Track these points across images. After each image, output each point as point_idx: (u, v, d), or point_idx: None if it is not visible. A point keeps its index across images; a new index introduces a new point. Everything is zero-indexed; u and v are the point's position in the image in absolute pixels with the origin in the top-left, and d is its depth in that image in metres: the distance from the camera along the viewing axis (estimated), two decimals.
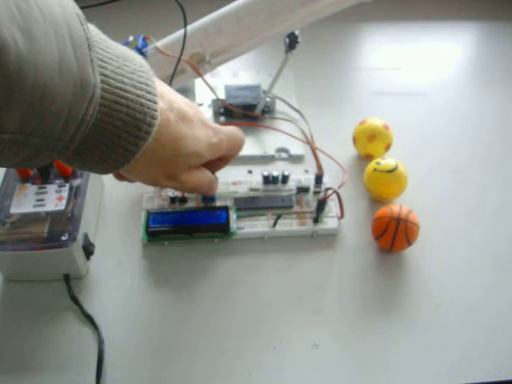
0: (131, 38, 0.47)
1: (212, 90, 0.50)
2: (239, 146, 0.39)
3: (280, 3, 0.44)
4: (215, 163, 0.39)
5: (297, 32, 0.47)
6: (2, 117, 0.19)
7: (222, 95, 0.53)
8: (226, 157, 0.39)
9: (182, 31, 0.45)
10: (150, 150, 0.29)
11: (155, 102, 0.27)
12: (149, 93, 0.27)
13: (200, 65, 0.47)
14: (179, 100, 0.32)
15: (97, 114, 0.24)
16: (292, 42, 0.47)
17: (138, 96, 0.26)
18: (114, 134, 0.26)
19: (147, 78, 0.27)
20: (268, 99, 0.53)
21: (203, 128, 0.34)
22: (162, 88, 0.30)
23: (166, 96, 0.30)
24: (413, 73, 0.62)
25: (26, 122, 0.20)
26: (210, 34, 0.46)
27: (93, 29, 0.25)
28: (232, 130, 0.38)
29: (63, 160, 0.27)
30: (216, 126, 0.36)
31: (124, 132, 0.26)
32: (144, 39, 0.47)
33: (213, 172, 0.39)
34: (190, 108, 0.33)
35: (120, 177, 0.36)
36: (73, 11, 0.22)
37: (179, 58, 0.45)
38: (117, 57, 0.26)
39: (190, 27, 0.46)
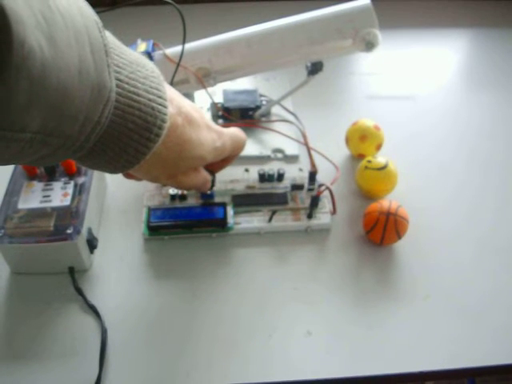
0: (139, 42, 0.49)
1: (211, 97, 0.52)
2: (241, 147, 0.40)
3: (290, 39, 0.47)
4: (218, 164, 0.40)
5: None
6: (24, 117, 0.20)
7: (220, 99, 0.55)
8: (228, 157, 0.40)
9: (192, 44, 0.48)
10: (157, 152, 0.30)
11: (165, 106, 0.29)
12: (160, 97, 0.28)
13: (205, 79, 0.49)
14: (187, 105, 0.33)
15: (111, 117, 0.26)
16: (316, 69, 0.49)
17: (149, 100, 0.27)
18: (126, 136, 0.27)
19: (158, 83, 0.29)
20: (264, 102, 0.55)
21: (208, 132, 0.35)
22: (171, 93, 0.32)
23: (174, 101, 0.32)
24: (405, 78, 0.64)
25: (46, 123, 0.21)
26: (220, 53, 0.48)
27: (109, 35, 0.26)
28: (234, 131, 0.39)
29: (76, 159, 0.28)
30: (220, 129, 0.37)
31: (136, 134, 0.27)
32: (153, 45, 0.50)
33: (215, 172, 0.41)
34: (196, 112, 0.34)
35: (128, 175, 0.38)
36: (92, 18, 0.23)
37: (177, 65, 0.47)
38: (130, 62, 0.27)
39: (201, 42, 0.48)
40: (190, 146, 0.33)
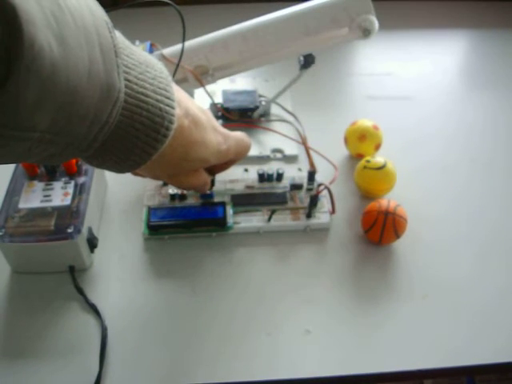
0: (137, 43, 0.50)
1: (211, 96, 0.52)
2: (245, 151, 0.41)
3: (286, 31, 0.47)
4: (220, 166, 0.41)
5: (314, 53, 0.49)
6: (33, 117, 0.20)
7: (220, 99, 0.55)
8: (230, 161, 0.40)
9: (189, 42, 0.48)
10: (163, 153, 0.30)
11: (173, 108, 0.29)
12: (168, 98, 0.28)
13: (203, 76, 0.49)
14: (194, 106, 0.33)
15: (119, 117, 0.26)
16: (308, 62, 0.49)
17: (157, 101, 0.28)
18: (134, 136, 0.27)
19: (166, 83, 0.29)
20: (264, 103, 0.56)
21: (214, 135, 0.35)
22: (179, 94, 0.32)
23: (182, 102, 0.32)
24: (403, 78, 0.64)
25: (54, 122, 0.21)
26: (216, 49, 0.48)
27: (119, 35, 0.26)
28: (240, 136, 0.39)
29: (84, 159, 0.28)
30: (226, 132, 0.37)
31: (143, 134, 0.27)
32: (151, 45, 0.50)
33: (215, 173, 0.42)
34: (203, 115, 0.34)
35: (135, 172, 0.38)
36: (102, 18, 0.23)
37: (177, 65, 0.47)
38: (140, 63, 0.27)
39: (197, 40, 0.49)
40: (196, 147, 0.33)
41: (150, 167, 0.32)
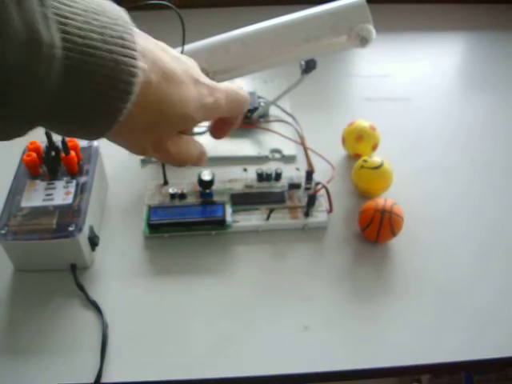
0: None
1: None
2: (241, 105, 0.34)
3: (286, 37, 0.48)
4: (220, 127, 0.36)
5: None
6: None
7: None
8: (229, 119, 0.35)
9: (189, 46, 0.49)
10: (133, 114, 0.26)
11: (134, 58, 0.24)
12: (125, 47, 0.24)
13: None
14: (166, 57, 0.29)
15: (63, 79, 0.22)
16: (309, 67, 0.50)
17: (110, 52, 0.23)
18: (88, 98, 0.23)
19: (123, 31, 0.24)
20: (263, 104, 0.56)
21: (195, 87, 0.30)
22: (146, 44, 0.27)
23: (149, 54, 0.27)
24: (401, 80, 0.65)
25: None
26: (217, 53, 0.49)
27: None
28: (232, 87, 0.34)
29: (46, 126, 0.25)
30: (212, 84, 0.32)
31: (99, 94, 0.24)
32: None
33: (218, 138, 0.37)
34: (179, 65, 0.30)
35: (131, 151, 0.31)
36: None
37: None
38: (84, 11, 0.23)
39: (198, 43, 0.49)
40: (170, 104, 0.29)
41: (128, 133, 0.28)
